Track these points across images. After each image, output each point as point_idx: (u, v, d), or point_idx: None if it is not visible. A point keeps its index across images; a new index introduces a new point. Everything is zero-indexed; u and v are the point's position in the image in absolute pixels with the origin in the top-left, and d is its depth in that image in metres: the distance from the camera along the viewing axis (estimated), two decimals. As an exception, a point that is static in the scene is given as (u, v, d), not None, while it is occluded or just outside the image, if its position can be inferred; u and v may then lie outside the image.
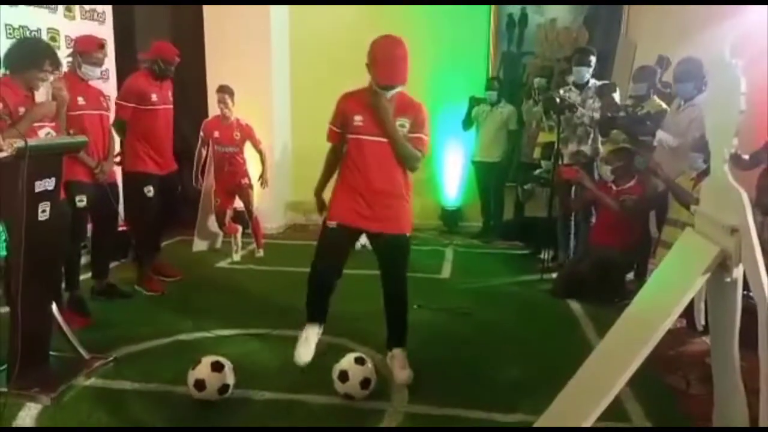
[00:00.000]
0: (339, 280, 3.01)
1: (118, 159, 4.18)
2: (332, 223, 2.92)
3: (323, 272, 2.97)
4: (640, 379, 2.85)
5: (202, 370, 2.62)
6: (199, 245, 5.43)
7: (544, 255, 4.92)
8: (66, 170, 3.47)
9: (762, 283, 1.60)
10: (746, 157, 3.60)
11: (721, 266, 1.71)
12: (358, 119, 2.84)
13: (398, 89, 2.84)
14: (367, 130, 2.84)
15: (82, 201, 3.64)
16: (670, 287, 1.87)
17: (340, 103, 2.94)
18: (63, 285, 3.53)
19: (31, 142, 2.53)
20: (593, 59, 4.70)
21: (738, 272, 1.74)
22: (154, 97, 4.09)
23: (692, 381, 2.96)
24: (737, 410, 2.00)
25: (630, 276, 4.37)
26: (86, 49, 3.70)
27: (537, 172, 5.40)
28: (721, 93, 1.77)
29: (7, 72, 3.11)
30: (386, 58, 2.76)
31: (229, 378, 2.66)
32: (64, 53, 4.43)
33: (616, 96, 4.65)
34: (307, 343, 2.99)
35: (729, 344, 1.93)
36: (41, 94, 3.14)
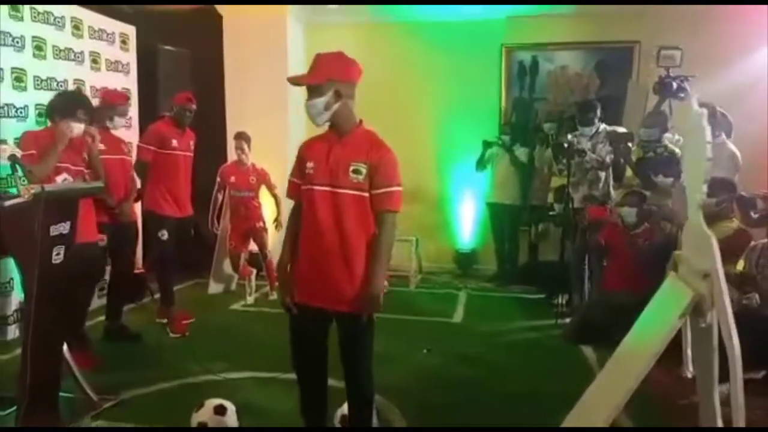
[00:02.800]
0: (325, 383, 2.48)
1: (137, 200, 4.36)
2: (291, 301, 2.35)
3: (300, 368, 2.44)
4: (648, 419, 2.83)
5: (205, 413, 2.64)
6: (215, 288, 5.52)
7: (559, 299, 4.88)
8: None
9: (731, 329, 1.59)
10: (755, 215, 3.60)
11: (697, 311, 1.70)
12: (309, 166, 2.29)
13: (355, 124, 2.29)
14: (318, 177, 2.27)
15: (102, 241, 3.78)
16: (652, 330, 1.87)
17: (299, 150, 2.41)
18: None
19: (48, 187, 2.63)
20: (594, 116, 4.79)
21: (713, 317, 1.73)
22: (174, 143, 4.26)
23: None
24: None
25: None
26: (118, 102, 4.05)
27: (551, 213, 5.44)
28: (690, 142, 1.80)
29: (49, 122, 3.41)
30: None
31: (232, 421, 2.66)
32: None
33: (632, 145, 4.71)
34: None
35: (709, 388, 1.90)
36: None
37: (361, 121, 2.35)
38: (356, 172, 2.24)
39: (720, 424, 1.91)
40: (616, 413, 1.83)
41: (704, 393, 1.94)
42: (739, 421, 1.69)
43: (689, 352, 2.02)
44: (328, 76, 2.23)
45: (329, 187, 2.27)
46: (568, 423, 1.97)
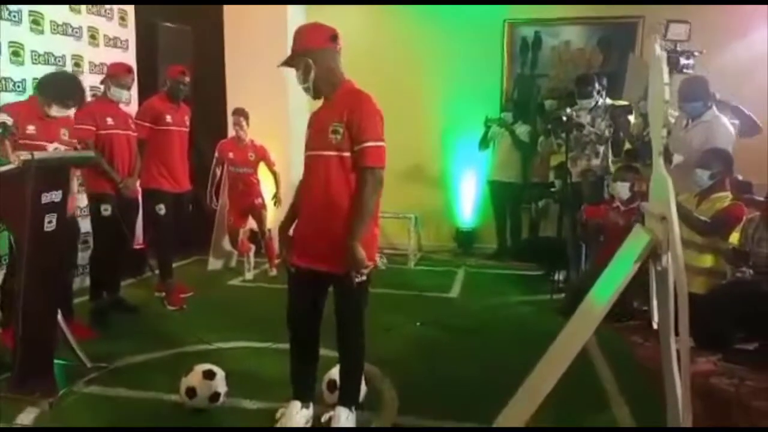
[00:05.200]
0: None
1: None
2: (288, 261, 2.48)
3: (293, 326, 2.52)
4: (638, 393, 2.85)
5: (194, 377, 2.68)
6: (214, 264, 5.56)
7: (557, 276, 4.88)
8: (93, 183, 3.83)
9: (681, 271, 1.60)
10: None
11: (655, 256, 1.71)
12: (307, 133, 2.45)
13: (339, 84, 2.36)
14: (309, 143, 2.41)
15: (107, 210, 3.86)
16: (613, 278, 1.89)
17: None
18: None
19: (38, 155, 2.66)
20: (592, 89, 4.74)
21: (668, 260, 1.73)
22: (168, 119, 4.28)
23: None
24: (672, 404, 1.95)
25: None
26: (116, 72, 4.00)
27: (552, 190, 5.44)
28: (653, 85, 1.81)
29: (35, 94, 3.40)
30: None
31: (221, 386, 2.70)
32: (87, 79, 4.69)
33: (632, 118, 4.67)
34: (283, 422, 2.52)
35: (666, 333, 1.90)
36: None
37: (344, 82, 2.39)
38: (334, 132, 2.28)
39: (676, 371, 1.91)
40: (568, 363, 1.85)
41: (663, 338, 1.94)
42: (685, 367, 1.69)
43: (655, 303, 2.02)
44: (298, 49, 2.35)
45: (315, 150, 2.37)
46: (530, 379, 2.00)
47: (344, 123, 2.27)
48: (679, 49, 4.80)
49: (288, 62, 2.38)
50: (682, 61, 4.71)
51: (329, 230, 2.32)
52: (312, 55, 2.31)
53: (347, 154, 2.30)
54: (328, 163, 2.32)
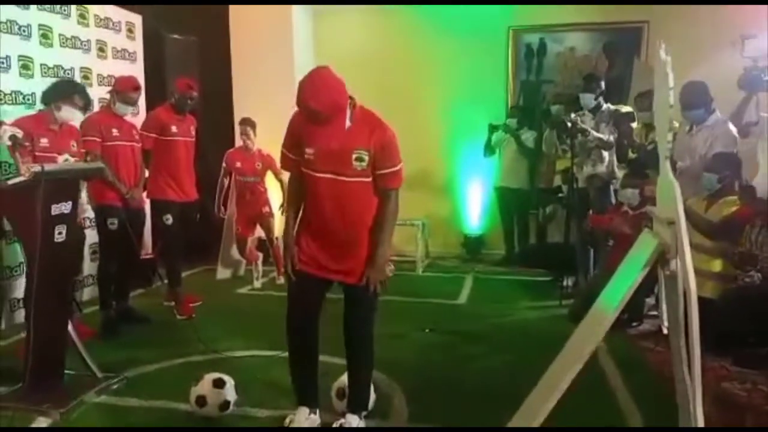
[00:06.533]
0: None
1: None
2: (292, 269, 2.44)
3: (296, 328, 2.50)
4: (650, 399, 2.83)
5: (204, 386, 2.68)
6: (223, 273, 5.58)
7: (565, 281, 4.87)
8: (98, 195, 3.87)
9: (690, 275, 1.60)
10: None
11: (664, 261, 1.71)
12: (309, 152, 2.28)
13: (351, 109, 2.25)
14: (320, 165, 2.29)
15: (113, 224, 3.89)
16: (621, 283, 1.89)
17: (292, 123, 2.35)
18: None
19: (47, 167, 2.69)
20: (597, 85, 4.74)
21: (677, 264, 1.72)
22: (174, 129, 4.30)
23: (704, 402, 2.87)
24: (684, 409, 1.94)
25: (651, 300, 4.27)
26: (123, 89, 4.02)
27: (559, 195, 5.45)
28: (659, 90, 1.81)
29: (43, 107, 3.47)
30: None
31: (230, 395, 2.71)
32: (96, 91, 4.75)
33: (635, 125, 4.67)
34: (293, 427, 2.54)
35: (677, 338, 1.89)
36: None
37: (354, 102, 2.29)
38: (359, 159, 2.28)
39: (687, 375, 1.89)
40: (578, 369, 1.84)
41: (673, 343, 1.93)
42: (696, 371, 1.68)
43: (665, 307, 2.02)
44: (341, 107, 2.19)
45: (332, 174, 2.30)
46: (540, 385, 2.00)
47: (369, 151, 2.27)
48: (760, 65, 4.27)
49: (344, 125, 2.22)
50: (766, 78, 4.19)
51: (353, 249, 2.39)
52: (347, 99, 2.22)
53: (369, 179, 2.33)
54: (348, 188, 2.32)
